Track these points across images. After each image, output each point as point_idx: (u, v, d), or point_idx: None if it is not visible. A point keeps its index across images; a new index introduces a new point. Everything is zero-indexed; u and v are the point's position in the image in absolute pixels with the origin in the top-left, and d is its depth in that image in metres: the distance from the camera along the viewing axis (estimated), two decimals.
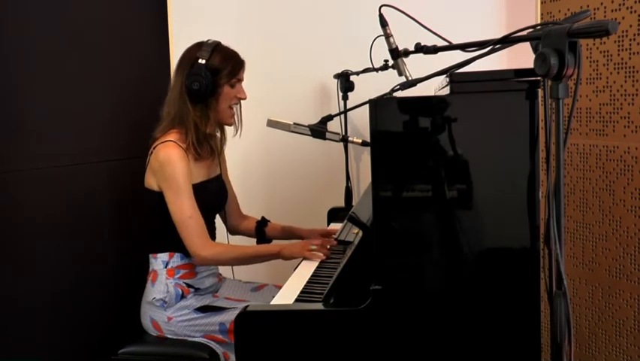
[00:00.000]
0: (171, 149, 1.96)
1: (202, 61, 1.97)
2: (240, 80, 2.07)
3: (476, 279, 1.48)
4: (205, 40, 2.04)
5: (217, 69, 1.99)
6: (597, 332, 2.35)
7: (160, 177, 1.97)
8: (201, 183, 2.04)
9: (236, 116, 2.12)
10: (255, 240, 2.35)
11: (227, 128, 2.16)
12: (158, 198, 1.98)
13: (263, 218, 2.36)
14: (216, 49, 2.02)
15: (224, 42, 2.07)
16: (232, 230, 2.36)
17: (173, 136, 1.99)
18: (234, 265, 2.12)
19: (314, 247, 1.98)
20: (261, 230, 2.33)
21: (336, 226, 2.50)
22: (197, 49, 2.02)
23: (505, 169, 1.46)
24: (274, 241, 2.34)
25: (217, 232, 2.21)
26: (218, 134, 2.17)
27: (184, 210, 1.94)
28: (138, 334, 2.06)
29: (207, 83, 1.97)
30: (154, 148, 2.00)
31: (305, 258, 2.00)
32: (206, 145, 2.04)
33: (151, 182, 2.01)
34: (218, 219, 2.24)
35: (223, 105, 2.04)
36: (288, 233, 2.34)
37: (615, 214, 2.23)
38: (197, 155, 2.01)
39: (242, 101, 2.12)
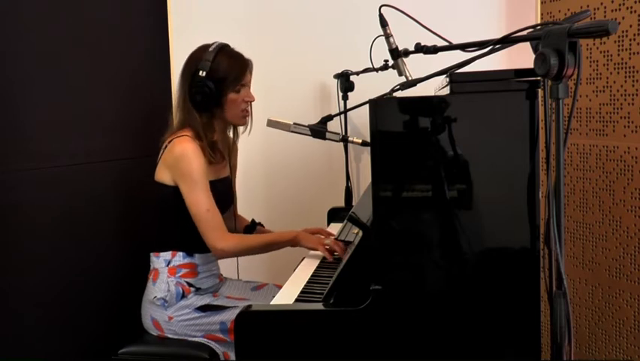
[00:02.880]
0: (187, 143, 1.95)
1: (203, 73, 1.95)
2: (245, 84, 2.05)
3: (476, 279, 1.48)
4: (210, 42, 2.02)
5: (220, 78, 1.98)
6: (597, 332, 2.35)
7: (176, 173, 1.96)
8: (210, 182, 2.04)
9: (248, 117, 2.12)
10: None
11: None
12: (170, 192, 1.98)
13: (252, 222, 2.36)
14: (219, 54, 1.99)
15: (225, 42, 2.07)
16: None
17: (188, 132, 1.99)
18: (253, 254, 2.12)
19: (328, 242, 2.00)
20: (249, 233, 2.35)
21: (336, 226, 2.50)
22: (200, 55, 1.99)
23: (505, 169, 1.46)
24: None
25: None
26: (230, 134, 2.18)
27: (201, 203, 1.94)
28: (138, 334, 2.06)
29: (210, 94, 1.96)
30: (169, 142, 2.00)
31: (317, 250, 2.03)
32: (216, 150, 2.04)
33: (163, 176, 2.00)
34: None
35: (231, 112, 2.04)
36: None
37: (615, 214, 2.23)
38: (212, 158, 2.00)
39: None
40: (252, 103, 2.10)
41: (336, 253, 1.99)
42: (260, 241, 2.07)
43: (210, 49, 2.00)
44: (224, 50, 2.02)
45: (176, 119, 2.05)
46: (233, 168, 2.24)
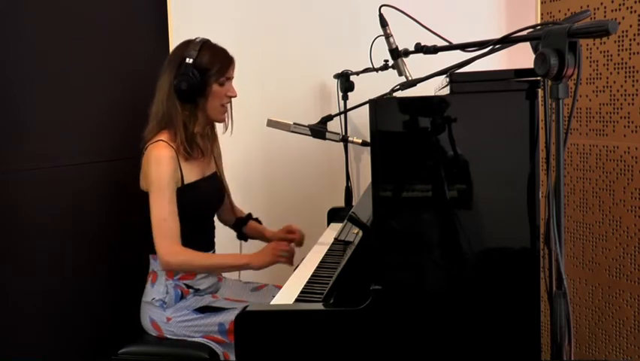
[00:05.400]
0: (162, 149, 1.95)
1: (189, 60, 1.95)
2: (230, 79, 2.05)
3: (476, 279, 1.48)
4: (193, 38, 2.03)
5: (205, 68, 1.98)
6: (597, 332, 2.35)
7: (146, 176, 1.96)
8: (195, 182, 2.04)
9: (227, 114, 2.11)
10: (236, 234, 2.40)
11: (217, 126, 2.17)
12: None
13: (248, 215, 2.37)
14: (204, 47, 2.00)
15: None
16: (224, 223, 2.38)
17: (164, 136, 1.99)
18: (202, 273, 2.08)
19: (285, 254, 1.96)
20: (239, 228, 2.36)
21: (336, 226, 2.50)
22: (184, 48, 2.00)
23: (505, 169, 1.46)
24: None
25: (217, 230, 2.21)
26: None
27: (161, 212, 1.93)
28: (138, 334, 2.06)
29: (196, 83, 1.96)
30: (145, 149, 2.00)
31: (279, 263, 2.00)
32: (195, 145, 2.03)
33: (144, 184, 2.01)
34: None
35: (213, 104, 2.03)
36: (259, 235, 2.37)
37: (615, 214, 2.23)
38: (188, 155, 2.00)
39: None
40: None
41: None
42: (210, 262, 2.02)
43: (196, 41, 2.01)
44: (208, 43, 2.03)
45: (157, 115, 2.02)
46: (217, 159, 2.24)
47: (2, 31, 2.14)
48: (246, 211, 2.42)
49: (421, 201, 1.48)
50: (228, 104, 2.09)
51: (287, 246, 2.01)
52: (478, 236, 1.48)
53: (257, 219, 2.38)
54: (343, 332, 1.51)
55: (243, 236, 2.38)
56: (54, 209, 2.31)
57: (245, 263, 2.00)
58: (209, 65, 1.98)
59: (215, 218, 2.25)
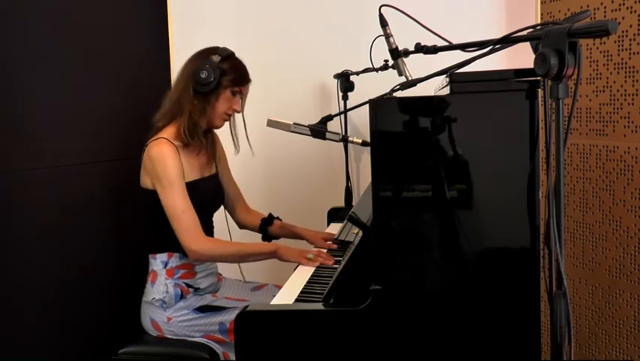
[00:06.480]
0: (163, 146, 1.96)
1: (216, 58, 2.00)
2: (242, 94, 2.09)
3: (476, 279, 1.48)
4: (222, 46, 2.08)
5: (225, 71, 2.02)
6: (597, 332, 2.35)
7: (153, 175, 1.97)
8: (194, 181, 2.04)
9: (232, 134, 2.16)
10: (261, 236, 2.37)
11: (228, 149, 2.21)
12: (154, 197, 1.98)
13: (270, 215, 2.36)
14: (231, 56, 2.06)
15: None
16: (239, 225, 2.38)
17: (166, 133, 2.01)
18: (229, 262, 2.12)
19: (311, 256, 1.99)
20: (265, 229, 2.34)
21: (336, 226, 2.50)
22: (215, 48, 2.06)
23: (505, 169, 1.46)
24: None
25: (215, 230, 2.21)
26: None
27: (176, 204, 1.94)
28: (138, 334, 2.06)
29: (214, 78, 1.99)
30: (146, 146, 2.01)
31: (300, 264, 2.01)
32: (196, 135, 2.04)
33: (145, 181, 2.01)
34: (217, 218, 2.25)
35: (220, 107, 2.05)
36: (290, 232, 2.34)
37: (615, 214, 2.23)
38: (187, 142, 2.01)
39: (241, 103, 2.12)
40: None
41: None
42: (237, 249, 2.05)
43: (226, 49, 2.06)
44: (236, 55, 2.08)
45: (171, 98, 2.05)
46: (222, 164, 2.26)
47: (2, 31, 2.14)
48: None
49: (421, 201, 1.48)
50: (231, 119, 2.13)
51: (316, 250, 2.02)
52: (478, 236, 1.48)
53: (278, 218, 2.38)
54: (343, 332, 1.51)
55: (268, 237, 2.37)
56: (54, 209, 2.30)
57: (272, 251, 2.02)
58: (230, 71, 2.02)
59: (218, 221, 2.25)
